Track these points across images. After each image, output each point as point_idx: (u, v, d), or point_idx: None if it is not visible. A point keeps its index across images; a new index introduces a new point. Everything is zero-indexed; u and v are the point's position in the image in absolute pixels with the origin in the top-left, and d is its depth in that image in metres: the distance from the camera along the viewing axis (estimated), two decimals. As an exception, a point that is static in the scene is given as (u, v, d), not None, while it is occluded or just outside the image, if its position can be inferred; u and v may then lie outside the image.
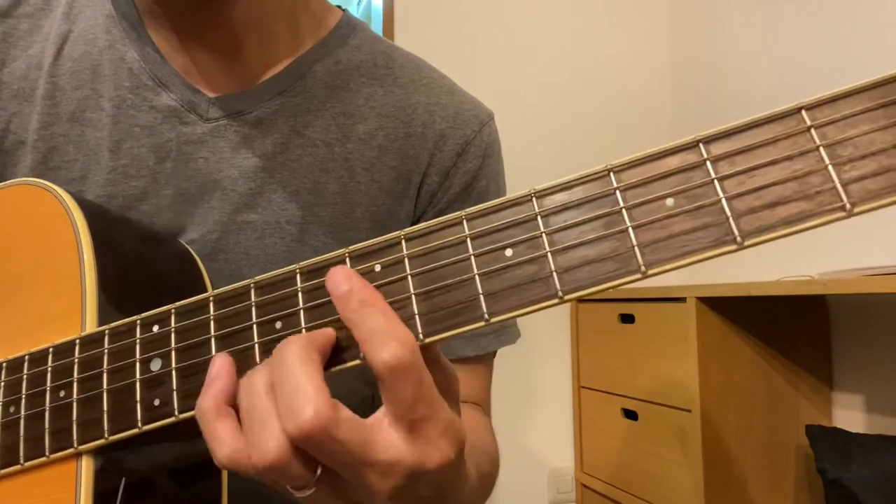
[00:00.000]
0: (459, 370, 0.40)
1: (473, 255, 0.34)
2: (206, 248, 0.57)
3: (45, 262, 0.48)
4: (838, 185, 0.27)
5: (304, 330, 0.37)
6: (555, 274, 0.32)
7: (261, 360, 0.37)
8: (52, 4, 0.62)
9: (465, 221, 0.35)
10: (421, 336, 0.34)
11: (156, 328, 0.41)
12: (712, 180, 0.30)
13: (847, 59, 1.66)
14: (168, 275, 0.53)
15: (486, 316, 0.33)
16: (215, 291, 0.40)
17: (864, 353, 1.58)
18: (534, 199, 0.34)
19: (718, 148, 0.30)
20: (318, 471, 0.33)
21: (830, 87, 0.29)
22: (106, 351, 0.42)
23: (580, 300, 2.14)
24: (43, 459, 0.43)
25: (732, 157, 0.30)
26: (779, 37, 1.88)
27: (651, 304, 1.69)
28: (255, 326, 0.38)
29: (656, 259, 0.30)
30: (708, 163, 0.30)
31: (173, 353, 0.40)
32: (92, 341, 0.43)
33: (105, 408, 0.41)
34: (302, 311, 0.37)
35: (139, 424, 0.40)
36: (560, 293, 0.32)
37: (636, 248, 0.31)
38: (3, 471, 0.45)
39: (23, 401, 0.45)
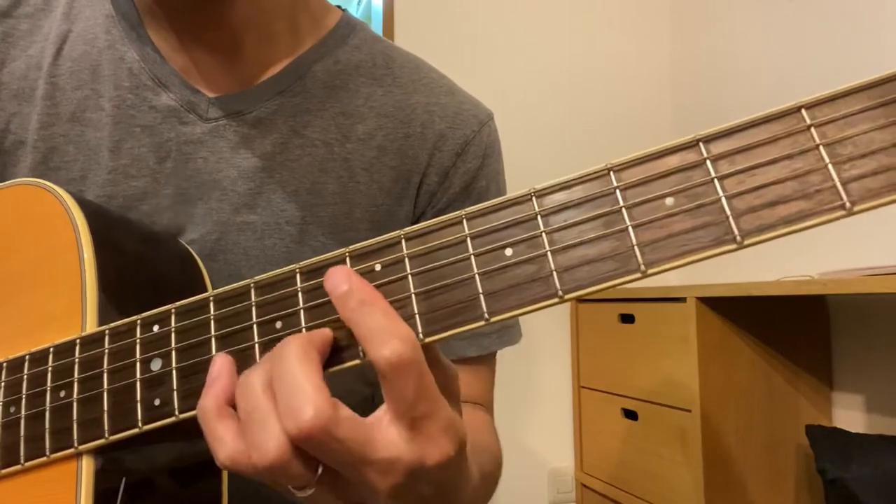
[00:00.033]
0: (461, 370, 0.40)
1: (473, 254, 0.34)
2: (205, 249, 0.57)
3: (45, 262, 0.48)
4: (838, 184, 0.27)
5: (304, 330, 0.37)
6: (555, 273, 0.32)
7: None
8: (52, 5, 0.62)
9: (464, 221, 0.35)
10: (421, 335, 0.34)
11: (156, 328, 0.41)
12: (712, 179, 0.30)
13: (847, 59, 1.66)
14: (168, 275, 0.53)
15: (486, 315, 0.33)
16: (215, 291, 0.40)
17: (864, 353, 1.58)
18: (533, 198, 0.34)
19: (718, 147, 0.30)
20: (319, 470, 0.33)
21: (830, 87, 0.29)
22: (106, 351, 0.42)
23: (580, 300, 2.13)
24: (43, 459, 0.43)
25: (732, 156, 0.30)
26: (779, 37, 1.88)
27: (651, 304, 1.69)
28: (255, 326, 0.38)
29: (656, 258, 0.30)
30: (708, 162, 0.30)
31: (173, 352, 0.40)
32: (92, 341, 0.43)
33: (105, 407, 0.41)
34: (302, 311, 0.37)
35: (139, 424, 0.40)
36: (560, 292, 0.32)
37: (636, 247, 0.31)
38: (4, 471, 0.45)
39: (23, 401, 0.45)
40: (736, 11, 2.05)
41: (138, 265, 0.51)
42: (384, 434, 0.33)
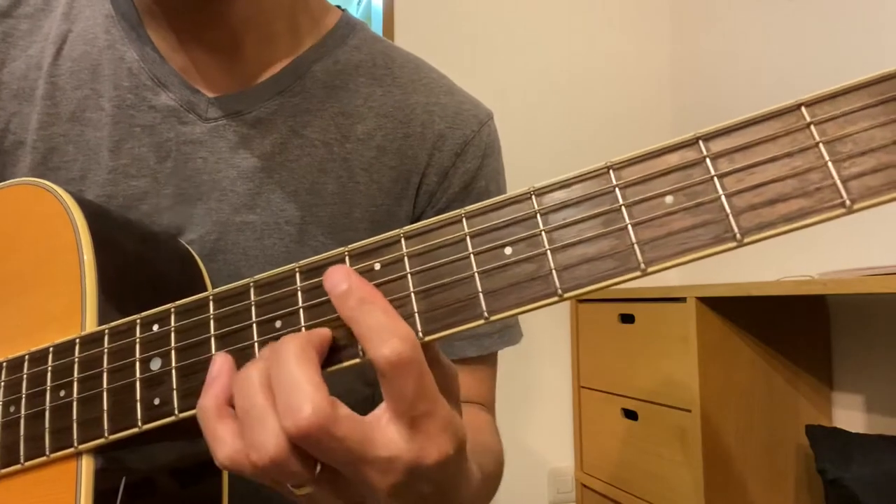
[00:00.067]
0: (462, 371, 0.40)
1: (473, 253, 0.34)
2: (205, 249, 0.57)
3: (45, 262, 0.48)
4: (838, 182, 0.27)
5: (303, 329, 0.37)
6: (554, 272, 0.32)
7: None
8: (52, 5, 0.62)
9: (464, 219, 0.35)
10: (420, 334, 0.34)
11: (155, 327, 0.41)
12: (712, 177, 0.30)
13: (847, 58, 1.66)
14: (168, 274, 0.53)
15: (486, 314, 0.33)
16: (215, 290, 0.40)
17: (864, 353, 1.58)
18: (533, 196, 0.34)
19: (718, 145, 0.30)
20: (318, 469, 0.33)
21: (830, 86, 0.29)
22: (106, 350, 0.42)
23: (580, 300, 2.13)
24: (43, 459, 0.43)
25: (732, 154, 0.30)
26: (779, 37, 1.89)
27: (651, 304, 1.69)
28: (254, 325, 0.38)
29: (656, 256, 0.30)
30: (707, 160, 0.30)
31: (173, 352, 0.40)
32: (92, 341, 0.43)
33: (105, 407, 0.41)
34: (301, 310, 0.37)
35: (139, 424, 0.40)
36: (559, 291, 0.32)
37: (635, 245, 0.31)
38: (4, 470, 0.45)
39: (23, 400, 0.45)
40: (736, 11, 2.05)
41: (138, 265, 0.51)
42: (383, 432, 0.33)
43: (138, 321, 0.42)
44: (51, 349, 0.45)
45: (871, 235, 1.50)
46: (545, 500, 2.05)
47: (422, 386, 0.32)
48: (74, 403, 0.43)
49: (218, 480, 0.48)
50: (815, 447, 1.41)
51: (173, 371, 0.40)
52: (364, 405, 0.34)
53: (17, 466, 0.44)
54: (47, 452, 0.43)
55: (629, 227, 0.31)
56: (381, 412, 0.33)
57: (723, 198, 0.29)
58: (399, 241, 0.36)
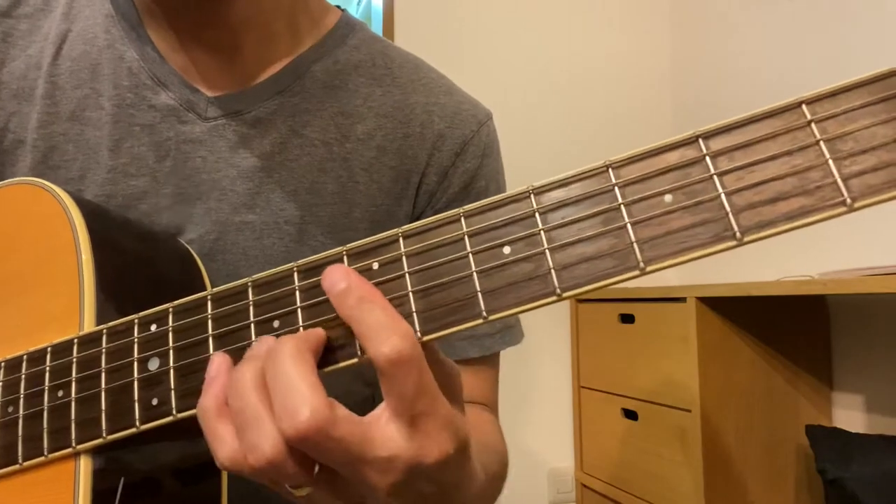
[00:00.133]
0: (464, 371, 0.40)
1: (471, 252, 0.34)
2: (204, 249, 0.57)
3: (43, 262, 0.48)
4: (839, 180, 0.27)
5: (301, 328, 0.37)
6: (553, 271, 0.32)
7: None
8: (52, 5, 0.62)
9: (462, 219, 0.35)
10: (419, 334, 0.34)
11: (154, 327, 0.41)
12: (711, 176, 0.30)
13: (847, 57, 1.66)
14: (167, 274, 0.52)
15: (485, 314, 0.33)
16: (213, 290, 0.40)
17: (864, 353, 1.58)
18: (532, 195, 0.34)
19: (718, 143, 0.30)
20: (316, 469, 0.33)
21: (830, 85, 0.29)
22: (104, 350, 0.42)
23: (580, 300, 2.13)
24: (41, 459, 0.43)
25: (732, 153, 0.30)
26: (779, 37, 1.88)
27: (651, 304, 1.69)
28: (252, 325, 0.38)
29: (655, 255, 0.30)
30: (707, 158, 0.30)
31: (171, 352, 0.40)
32: (90, 340, 0.43)
33: (103, 407, 0.41)
34: (299, 310, 0.37)
35: (137, 424, 0.40)
36: (558, 290, 0.32)
37: (634, 244, 0.31)
38: (2, 470, 0.45)
39: (21, 400, 0.45)
40: (736, 11, 2.05)
41: (137, 265, 0.51)
42: (382, 432, 0.32)
43: (136, 321, 0.42)
44: (49, 349, 0.45)
45: (871, 235, 1.50)
46: (545, 500, 2.05)
47: (422, 384, 0.32)
48: (72, 403, 0.42)
49: (217, 480, 0.48)
50: (815, 447, 1.41)
51: (171, 371, 0.40)
52: (363, 405, 0.34)
53: (16, 467, 0.44)
54: (45, 453, 0.43)
55: (628, 225, 0.31)
56: (381, 411, 0.33)
57: (722, 196, 0.29)
58: (397, 240, 0.36)
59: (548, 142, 2.14)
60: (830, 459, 1.35)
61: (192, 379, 0.39)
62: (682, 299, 1.56)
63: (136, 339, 0.41)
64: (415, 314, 0.34)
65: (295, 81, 0.61)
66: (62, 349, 0.44)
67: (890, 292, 1.14)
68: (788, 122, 0.29)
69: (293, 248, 0.58)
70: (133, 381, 0.41)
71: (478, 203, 0.35)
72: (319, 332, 0.36)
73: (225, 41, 0.58)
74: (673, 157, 0.31)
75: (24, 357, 0.46)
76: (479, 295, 0.33)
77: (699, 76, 2.21)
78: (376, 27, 2.03)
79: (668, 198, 0.30)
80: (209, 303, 0.40)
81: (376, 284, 0.35)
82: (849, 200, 0.27)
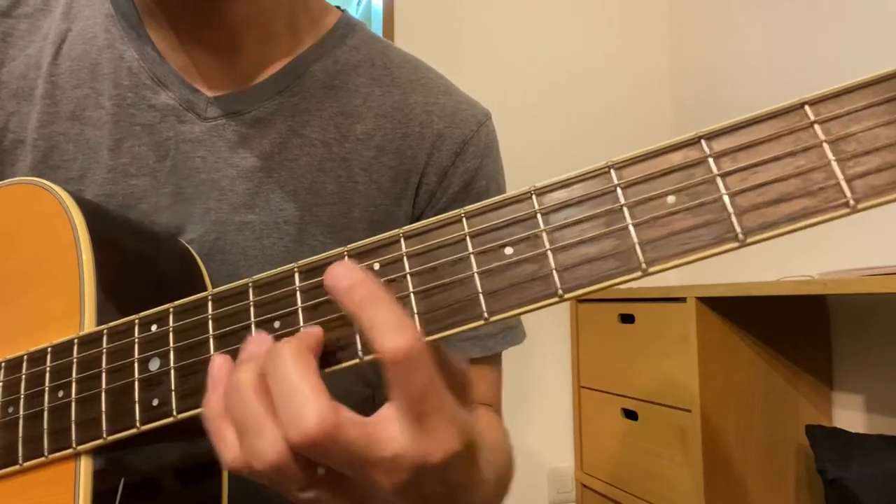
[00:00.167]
0: None
1: (473, 253, 0.34)
2: (203, 249, 0.57)
3: (43, 262, 0.48)
4: (842, 182, 0.27)
5: (302, 329, 0.37)
6: (555, 272, 0.32)
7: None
8: (51, 5, 0.62)
9: (464, 219, 0.35)
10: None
11: (154, 327, 0.41)
12: (714, 177, 0.30)
13: (847, 58, 1.66)
14: (168, 274, 0.52)
15: (486, 315, 0.33)
16: (213, 290, 0.40)
17: (864, 353, 1.58)
18: (533, 196, 0.34)
19: (720, 144, 0.30)
20: (321, 471, 0.33)
21: (830, 86, 0.29)
22: (104, 350, 0.42)
23: (580, 300, 2.13)
24: (42, 460, 0.43)
25: (735, 154, 0.30)
26: (779, 37, 1.88)
27: (651, 304, 1.69)
28: (253, 326, 0.38)
29: (657, 257, 0.30)
30: (710, 159, 0.30)
31: (172, 352, 0.40)
32: (90, 341, 0.43)
33: (103, 408, 0.41)
34: (300, 310, 0.37)
35: (137, 424, 0.40)
36: (560, 291, 0.32)
37: (637, 245, 0.31)
38: (2, 471, 0.45)
39: (21, 401, 0.45)
40: (736, 11, 2.05)
41: (137, 264, 0.51)
42: (387, 432, 0.32)
43: (137, 321, 0.42)
44: (49, 349, 0.44)
45: (871, 235, 1.50)
46: (545, 500, 2.05)
47: (428, 382, 0.32)
48: (73, 404, 0.42)
49: (217, 481, 0.48)
50: (815, 447, 1.41)
51: (172, 371, 0.39)
52: (363, 406, 0.33)
53: (16, 467, 0.44)
54: (46, 453, 0.43)
55: (630, 226, 0.31)
56: (387, 411, 0.32)
57: (725, 197, 0.29)
58: (398, 240, 0.36)
59: (548, 142, 2.14)
60: (830, 459, 1.35)
61: (192, 380, 0.39)
62: (682, 299, 1.56)
63: (136, 340, 0.41)
64: (416, 315, 0.34)
65: (294, 81, 0.61)
66: (62, 349, 0.44)
67: (890, 292, 1.14)
68: (791, 122, 0.29)
69: (293, 248, 0.58)
70: (133, 381, 0.41)
71: (479, 203, 0.35)
72: (319, 333, 0.35)
73: (225, 41, 0.58)
74: (676, 158, 0.31)
75: (25, 357, 0.45)
76: (481, 296, 0.33)
77: (699, 76, 2.21)
78: (376, 27, 2.03)
79: (670, 199, 0.30)
80: (210, 303, 0.40)
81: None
82: (852, 202, 0.27)
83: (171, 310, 0.41)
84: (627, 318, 1.79)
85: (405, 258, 0.35)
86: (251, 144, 0.59)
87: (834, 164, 0.27)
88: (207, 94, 0.59)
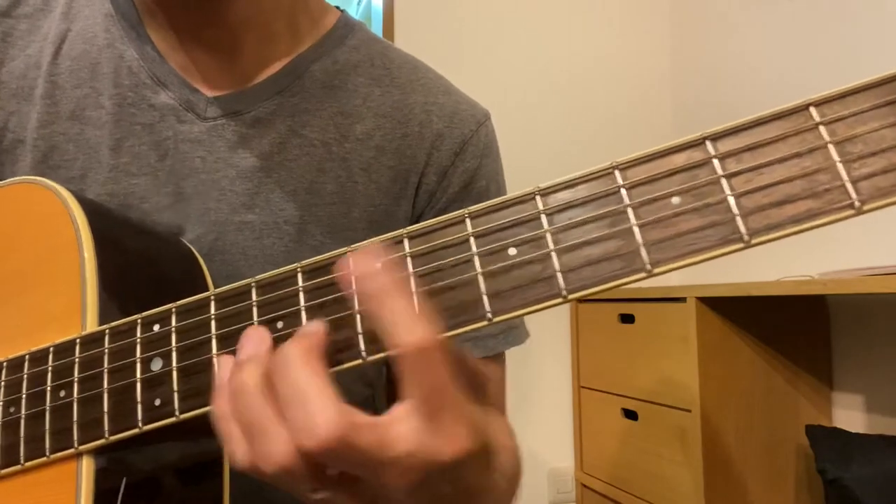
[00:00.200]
0: None
1: (476, 253, 0.34)
2: (203, 249, 0.57)
3: (45, 261, 0.48)
4: (847, 183, 0.27)
5: (305, 327, 0.36)
6: (559, 273, 0.32)
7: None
8: (51, 5, 0.62)
9: (467, 220, 0.35)
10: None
11: (156, 327, 0.41)
12: (719, 178, 0.30)
13: (847, 58, 1.66)
14: (169, 274, 0.52)
15: (490, 315, 0.33)
16: (216, 290, 0.40)
17: (864, 353, 1.58)
18: (538, 197, 0.33)
19: (725, 145, 0.30)
20: (331, 472, 0.33)
21: (831, 86, 0.29)
22: (106, 350, 0.42)
23: (580, 300, 2.15)
24: (43, 460, 0.43)
25: (740, 155, 0.29)
26: (779, 36, 1.88)
27: (651, 304, 1.69)
28: (256, 326, 0.38)
29: (662, 258, 0.30)
30: (715, 160, 0.30)
31: (174, 352, 0.40)
32: (92, 340, 0.43)
33: (105, 408, 0.41)
34: (303, 311, 0.37)
35: (140, 425, 0.40)
36: (564, 292, 0.32)
37: (642, 246, 0.30)
38: (4, 471, 0.45)
39: (23, 401, 0.45)
40: (736, 11, 2.05)
41: (139, 264, 0.51)
42: (399, 430, 0.31)
43: (139, 321, 0.42)
44: (51, 349, 0.44)
45: (871, 235, 1.50)
46: (545, 500, 2.05)
47: (444, 378, 0.31)
48: (75, 404, 0.42)
49: (219, 481, 0.48)
50: (815, 447, 1.41)
51: (174, 372, 0.39)
52: (364, 406, 0.33)
53: (17, 467, 0.44)
54: (47, 453, 0.43)
55: (635, 227, 0.31)
56: (400, 409, 0.32)
57: (730, 198, 0.29)
58: (402, 241, 0.36)
59: (548, 142, 2.14)
60: (830, 459, 1.35)
61: (195, 380, 0.39)
62: (682, 299, 1.56)
63: (138, 340, 0.41)
64: None
65: (294, 81, 0.61)
66: (64, 349, 0.44)
67: (890, 292, 1.14)
68: (797, 123, 0.29)
69: (292, 248, 0.58)
70: (136, 381, 0.40)
71: (483, 204, 0.34)
72: (322, 332, 0.35)
73: (225, 41, 0.58)
74: (680, 159, 0.31)
75: (27, 357, 0.45)
76: (485, 296, 0.33)
77: (699, 76, 2.21)
78: (376, 27, 2.03)
79: (675, 199, 0.30)
80: (212, 303, 0.39)
81: None
82: (857, 203, 0.27)
83: (173, 310, 0.41)
84: (627, 318, 1.79)
85: (408, 258, 0.35)
86: (251, 144, 0.59)
87: (839, 165, 0.27)
88: (207, 94, 0.59)
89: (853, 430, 1.43)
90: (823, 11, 1.74)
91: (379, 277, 0.33)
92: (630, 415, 1.76)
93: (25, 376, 0.45)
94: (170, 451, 0.45)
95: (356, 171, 0.60)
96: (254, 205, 0.58)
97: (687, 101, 2.26)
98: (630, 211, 0.31)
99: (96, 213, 0.49)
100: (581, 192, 0.33)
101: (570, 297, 0.32)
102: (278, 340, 0.36)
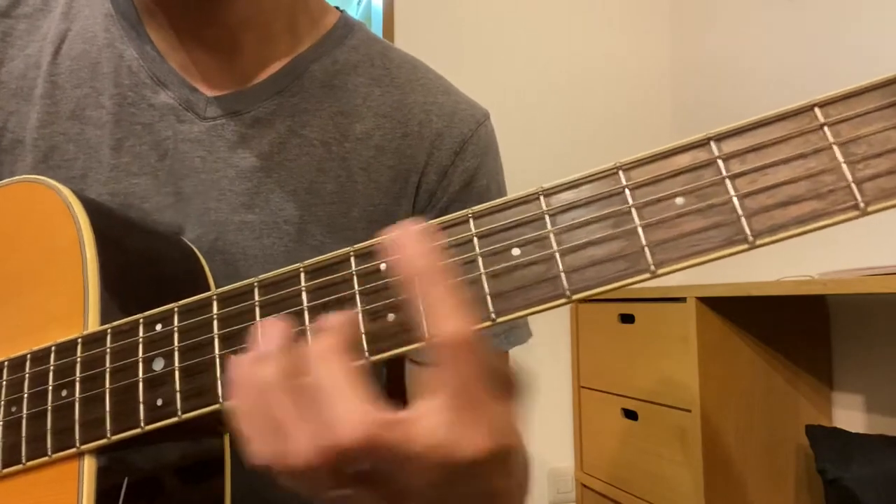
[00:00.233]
0: None
1: (480, 254, 0.34)
2: (203, 248, 0.57)
3: (46, 261, 0.48)
4: (852, 184, 0.27)
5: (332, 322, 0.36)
6: (563, 274, 0.32)
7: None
8: (51, 5, 0.62)
9: (471, 220, 0.35)
10: (427, 335, 0.34)
11: (158, 327, 0.41)
12: (723, 178, 0.30)
13: (847, 58, 1.66)
14: (171, 273, 0.52)
15: (493, 315, 0.33)
16: (218, 290, 0.40)
17: (864, 353, 1.58)
18: (541, 197, 0.33)
19: (729, 146, 0.30)
20: (352, 470, 0.32)
21: (830, 86, 0.29)
22: (108, 350, 0.42)
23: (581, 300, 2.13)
24: (45, 459, 0.43)
25: (744, 155, 0.29)
26: (779, 37, 1.88)
27: (651, 304, 1.69)
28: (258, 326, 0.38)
29: (666, 258, 0.30)
30: (719, 161, 0.30)
31: (176, 352, 0.40)
32: (94, 340, 0.43)
33: (107, 407, 0.41)
34: (306, 311, 0.37)
35: (142, 424, 0.40)
36: (568, 293, 0.32)
37: (646, 247, 0.30)
38: (6, 470, 0.45)
39: (25, 400, 0.45)
40: (736, 11, 2.05)
41: (141, 263, 0.51)
42: (426, 425, 0.30)
43: (141, 321, 0.42)
44: (53, 348, 0.44)
45: (871, 235, 1.50)
46: (545, 500, 2.05)
47: (477, 373, 0.31)
48: (76, 403, 0.42)
49: (220, 480, 0.48)
50: (815, 447, 1.41)
51: (176, 371, 0.39)
52: None
53: (19, 466, 0.44)
54: (49, 453, 0.43)
55: (639, 228, 0.31)
56: (429, 403, 0.31)
57: (735, 199, 0.29)
58: None
59: (548, 142, 2.14)
60: (830, 459, 1.35)
61: (197, 380, 0.39)
62: (682, 299, 1.56)
63: (140, 339, 0.41)
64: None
65: (294, 81, 0.61)
66: (66, 348, 0.44)
67: (890, 292, 1.14)
68: (801, 124, 0.29)
69: (292, 247, 0.58)
70: (138, 381, 0.40)
71: (487, 204, 0.34)
72: (349, 327, 0.34)
73: (224, 41, 0.58)
74: (684, 160, 0.31)
75: (28, 356, 0.45)
76: (488, 297, 0.33)
77: (699, 76, 2.21)
78: (376, 27, 2.03)
79: (679, 200, 0.30)
80: (215, 303, 0.39)
81: (383, 286, 0.35)
82: (862, 204, 0.27)
83: (175, 309, 0.41)
84: (627, 318, 1.79)
85: (411, 259, 0.35)
86: (250, 144, 0.59)
87: (844, 166, 0.27)
88: (207, 94, 0.59)
89: (853, 430, 1.43)
90: (823, 11, 1.74)
91: (422, 261, 0.32)
92: (630, 415, 1.76)
93: (27, 376, 0.45)
94: (171, 451, 0.45)
95: (356, 170, 0.60)
96: (254, 204, 0.58)
97: (687, 101, 2.26)
98: (634, 211, 0.31)
99: (98, 213, 0.49)
100: (585, 192, 0.32)
101: (574, 297, 0.32)
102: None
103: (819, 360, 1.63)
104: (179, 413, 0.39)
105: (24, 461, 0.44)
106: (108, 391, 0.41)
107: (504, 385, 0.34)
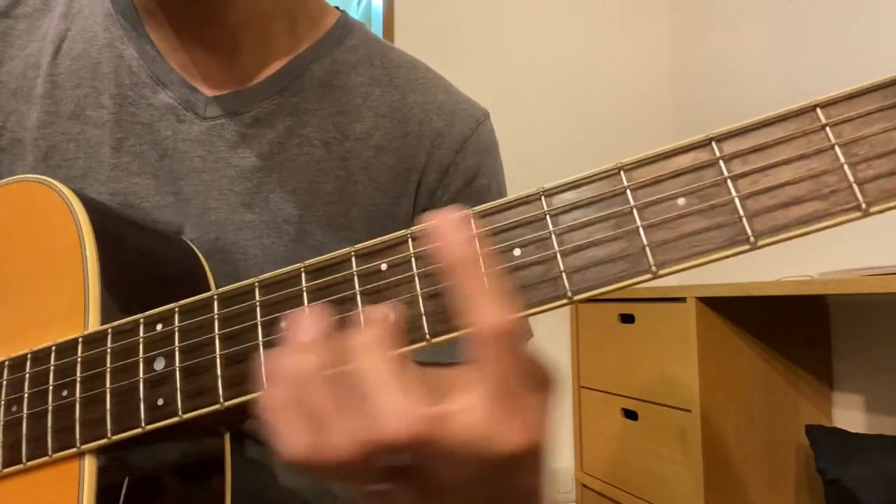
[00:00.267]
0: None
1: (482, 254, 0.34)
2: (203, 248, 0.57)
3: (47, 260, 0.48)
4: (854, 185, 0.27)
5: (376, 313, 0.35)
6: (564, 274, 0.32)
7: (265, 360, 0.37)
8: (50, 5, 0.62)
9: (472, 220, 0.35)
10: (427, 336, 0.34)
11: (159, 327, 0.41)
12: (725, 179, 0.30)
13: (847, 58, 1.66)
14: (172, 273, 0.52)
15: None
16: (219, 290, 0.40)
17: (864, 353, 1.58)
18: (542, 197, 0.33)
19: (731, 146, 0.30)
20: (389, 463, 0.31)
21: (831, 87, 0.29)
22: (109, 350, 0.42)
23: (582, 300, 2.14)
24: (46, 459, 0.43)
25: (746, 156, 0.29)
26: (779, 37, 1.89)
27: (651, 304, 1.69)
28: (259, 326, 0.38)
29: (667, 259, 0.30)
30: (721, 161, 0.30)
31: (177, 352, 0.40)
32: (95, 340, 0.43)
33: (108, 407, 0.41)
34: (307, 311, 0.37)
35: (142, 424, 0.40)
36: (569, 293, 0.32)
37: (647, 248, 0.30)
38: (6, 470, 0.45)
39: (25, 400, 0.45)
40: (736, 12, 2.05)
41: (142, 263, 0.51)
42: (468, 418, 0.30)
43: (142, 320, 0.41)
44: (53, 348, 0.44)
45: (871, 235, 1.50)
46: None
47: (516, 364, 0.30)
48: (77, 403, 0.42)
49: (221, 480, 0.48)
50: (815, 447, 1.41)
51: (177, 371, 0.39)
52: None
53: (20, 466, 0.44)
54: (49, 452, 0.43)
55: (641, 228, 0.31)
56: (469, 397, 0.30)
57: (736, 200, 0.29)
58: (406, 241, 0.36)
59: (548, 142, 2.14)
60: (830, 459, 1.35)
61: (197, 379, 0.39)
62: (682, 299, 1.56)
63: (141, 339, 0.41)
64: (424, 316, 0.34)
65: (293, 81, 0.61)
66: (67, 348, 0.44)
67: (890, 292, 1.14)
68: (803, 125, 0.29)
69: (292, 247, 0.58)
70: (138, 381, 0.40)
71: (488, 204, 0.34)
72: (392, 319, 0.32)
73: (224, 40, 0.58)
74: (686, 160, 0.31)
75: (29, 356, 0.45)
76: (489, 297, 0.33)
77: (699, 76, 2.22)
78: (376, 27, 2.03)
79: (681, 201, 0.30)
80: (216, 303, 0.39)
81: (385, 286, 0.35)
82: (864, 205, 0.27)
83: (176, 309, 0.41)
84: (627, 318, 1.79)
85: (413, 259, 0.35)
86: (250, 144, 0.59)
87: (846, 167, 0.27)
88: (207, 94, 0.59)
89: (853, 430, 1.44)
90: (823, 12, 1.74)
91: (464, 249, 0.31)
92: (630, 415, 1.77)
93: (27, 375, 0.45)
94: (172, 451, 0.45)
95: (356, 170, 0.60)
96: (253, 204, 0.58)
97: (687, 102, 2.26)
98: (635, 212, 0.31)
99: (98, 212, 0.49)
100: (586, 192, 0.32)
101: (576, 298, 0.32)
102: (280, 341, 0.35)
103: (819, 360, 1.63)
104: (180, 413, 0.39)
105: (24, 461, 0.44)
106: (108, 391, 0.41)
107: (538, 379, 0.33)
